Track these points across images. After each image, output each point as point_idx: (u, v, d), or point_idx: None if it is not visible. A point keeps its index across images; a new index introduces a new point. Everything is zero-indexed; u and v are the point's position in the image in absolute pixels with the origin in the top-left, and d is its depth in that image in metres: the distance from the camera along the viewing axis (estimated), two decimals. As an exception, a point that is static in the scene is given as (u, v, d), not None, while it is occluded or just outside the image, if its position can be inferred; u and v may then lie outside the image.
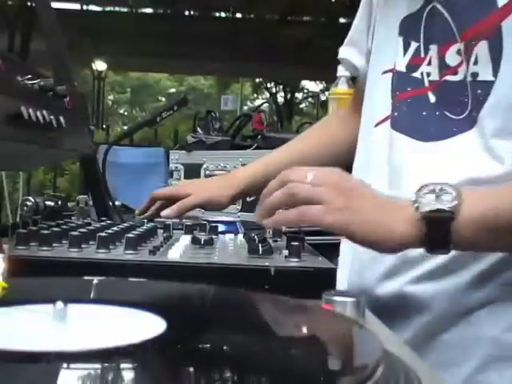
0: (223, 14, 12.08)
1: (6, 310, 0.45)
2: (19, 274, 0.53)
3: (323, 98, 13.93)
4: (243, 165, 1.72)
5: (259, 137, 1.86)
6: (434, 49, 0.81)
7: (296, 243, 0.71)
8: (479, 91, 0.75)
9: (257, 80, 17.67)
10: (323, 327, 0.49)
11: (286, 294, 0.56)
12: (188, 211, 1.09)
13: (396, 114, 0.85)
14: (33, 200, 1.03)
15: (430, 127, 0.81)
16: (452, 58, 0.78)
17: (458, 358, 0.77)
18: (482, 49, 0.75)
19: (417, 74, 0.83)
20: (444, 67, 0.80)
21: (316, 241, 1.26)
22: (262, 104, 2.10)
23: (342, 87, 1.70)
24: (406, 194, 0.71)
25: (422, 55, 0.83)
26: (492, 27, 0.74)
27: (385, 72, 0.89)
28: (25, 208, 1.01)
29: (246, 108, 13.74)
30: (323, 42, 10.07)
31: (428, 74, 0.82)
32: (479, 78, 0.75)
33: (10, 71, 0.81)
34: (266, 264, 0.66)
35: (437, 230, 0.67)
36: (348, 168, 0.98)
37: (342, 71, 1.70)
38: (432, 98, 0.81)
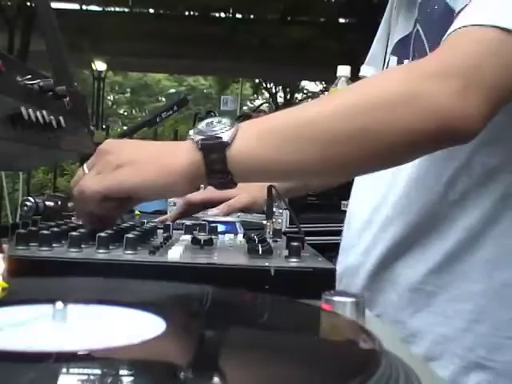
0: (223, 15, 12.07)
1: (5, 310, 0.45)
2: (19, 274, 0.53)
3: (323, 98, 13.90)
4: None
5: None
6: None
7: (296, 243, 0.71)
8: None
9: (256, 80, 17.67)
10: (323, 327, 0.49)
11: (286, 294, 0.56)
12: (234, 212, 1.15)
13: None
14: (32, 200, 1.03)
15: None
16: None
17: None
18: None
19: None
20: None
21: (316, 241, 1.27)
22: (261, 104, 2.10)
23: (341, 87, 1.70)
24: None
25: None
26: None
27: None
28: (24, 208, 1.01)
29: (245, 108, 13.74)
30: (323, 42, 10.08)
31: None
32: None
33: (10, 71, 0.81)
34: (266, 264, 0.66)
35: (211, 155, 0.67)
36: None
37: (341, 71, 1.70)
38: None
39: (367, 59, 1.13)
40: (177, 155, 0.69)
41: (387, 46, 1.02)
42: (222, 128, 0.68)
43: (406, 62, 0.93)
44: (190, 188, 0.71)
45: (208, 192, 1.21)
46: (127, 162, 0.68)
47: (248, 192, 1.14)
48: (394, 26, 1.00)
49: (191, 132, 0.69)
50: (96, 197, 0.69)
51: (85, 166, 0.72)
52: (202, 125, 0.70)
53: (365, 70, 1.13)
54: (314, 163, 0.69)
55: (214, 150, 0.67)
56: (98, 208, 0.71)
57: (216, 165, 0.67)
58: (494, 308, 0.81)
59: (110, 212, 0.73)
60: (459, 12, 0.74)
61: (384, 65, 1.03)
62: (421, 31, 0.89)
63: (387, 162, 0.72)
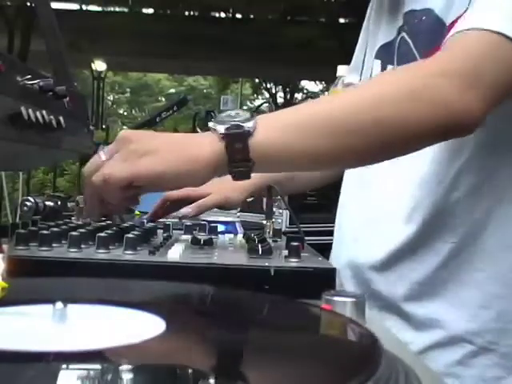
0: (223, 15, 12.06)
1: (6, 309, 0.45)
2: (19, 274, 0.53)
3: (323, 98, 13.87)
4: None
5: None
6: None
7: (296, 243, 0.71)
8: None
9: (256, 80, 17.66)
10: (323, 327, 0.49)
11: (286, 294, 0.56)
12: (206, 211, 1.14)
13: None
14: (32, 200, 1.02)
15: None
16: None
17: None
18: None
19: None
20: None
21: (316, 241, 1.27)
22: (261, 104, 2.10)
23: (341, 87, 1.70)
24: None
25: None
26: None
27: None
28: (24, 208, 1.01)
29: (245, 108, 13.74)
30: (323, 42, 10.08)
31: None
32: None
33: (10, 71, 0.81)
34: (266, 264, 0.66)
35: (235, 145, 0.69)
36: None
37: (341, 71, 1.70)
38: None
39: (351, 65, 1.17)
40: (200, 144, 0.71)
41: (365, 52, 1.06)
42: (243, 118, 0.70)
43: (389, 67, 0.97)
44: (213, 176, 0.72)
45: (186, 189, 1.22)
46: (152, 150, 0.70)
47: (220, 192, 1.15)
48: (375, 31, 1.04)
49: (210, 124, 0.70)
50: (122, 183, 0.70)
51: (101, 153, 0.72)
52: (221, 116, 0.72)
53: (350, 77, 1.16)
54: (331, 152, 0.72)
55: (237, 139, 0.69)
56: (118, 195, 0.71)
57: (238, 154, 0.69)
58: (499, 295, 0.85)
59: (127, 201, 0.74)
60: (453, 22, 0.81)
61: (363, 68, 1.05)
62: (408, 39, 0.93)
63: (399, 150, 0.77)
